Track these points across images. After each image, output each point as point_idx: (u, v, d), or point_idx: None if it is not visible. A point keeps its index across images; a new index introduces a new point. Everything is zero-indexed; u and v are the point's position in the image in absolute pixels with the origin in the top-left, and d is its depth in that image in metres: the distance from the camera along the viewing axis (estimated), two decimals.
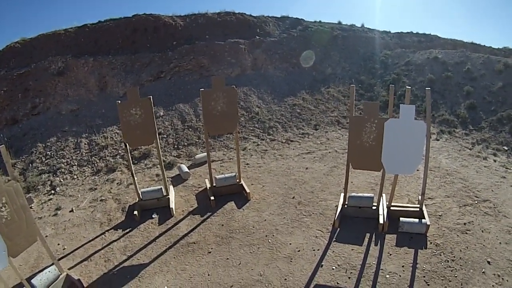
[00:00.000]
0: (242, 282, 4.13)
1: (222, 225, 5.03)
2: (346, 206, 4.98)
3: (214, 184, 5.66)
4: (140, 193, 5.43)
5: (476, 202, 5.34)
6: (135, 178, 5.47)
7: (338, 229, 4.81)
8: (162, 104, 8.82)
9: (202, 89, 5.28)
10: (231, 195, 5.66)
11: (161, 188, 5.51)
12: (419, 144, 4.35)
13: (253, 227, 4.95)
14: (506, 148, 7.12)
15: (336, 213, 4.94)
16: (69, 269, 4.37)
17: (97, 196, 6.21)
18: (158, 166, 6.31)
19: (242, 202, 5.50)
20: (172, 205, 5.43)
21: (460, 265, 4.20)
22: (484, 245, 4.50)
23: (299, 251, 4.49)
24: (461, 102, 9.26)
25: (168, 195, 5.53)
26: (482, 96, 9.28)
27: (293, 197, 5.59)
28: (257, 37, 11.78)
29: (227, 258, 4.45)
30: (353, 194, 5.04)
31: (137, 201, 5.47)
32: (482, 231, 4.73)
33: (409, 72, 11.17)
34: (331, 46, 12.22)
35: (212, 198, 5.45)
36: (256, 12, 27.98)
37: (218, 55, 10.51)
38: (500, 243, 4.54)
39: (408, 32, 15.09)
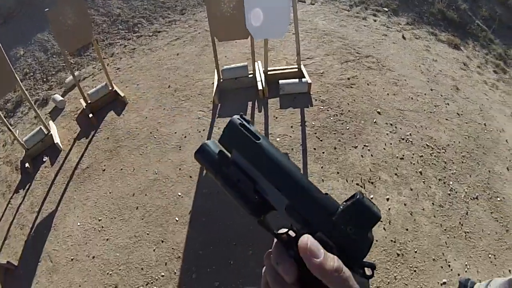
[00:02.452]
0: (141, 186, 4.02)
1: (108, 138, 4.72)
2: (222, 80, 4.83)
3: (89, 101, 5.19)
4: (24, 144, 4.85)
5: (358, 58, 5.42)
6: (16, 131, 5.01)
7: (219, 104, 4.72)
8: (20, 43, 7.72)
9: (47, 9, 4.57)
10: (109, 105, 5.25)
11: (41, 129, 4.95)
12: (285, 6, 4.16)
13: (136, 128, 4.70)
14: (387, 9, 7.17)
15: (213, 90, 4.79)
16: None
17: None
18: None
19: (120, 108, 5.14)
20: (56, 140, 4.94)
21: (350, 118, 4.34)
22: (371, 97, 4.67)
23: (185, 137, 4.38)
24: None
25: (50, 132, 5.01)
26: None
27: (169, 86, 5.30)
28: None
29: (121, 169, 4.26)
30: (225, 66, 4.86)
31: (24, 152, 4.91)
32: (368, 84, 4.88)
33: None
34: None
35: (90, 115, 5.02)
36: None
37: None
38: (387, 94, 4.75)
39: None
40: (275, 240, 0.53)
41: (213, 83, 4.97)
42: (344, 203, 0.49)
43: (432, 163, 3.98)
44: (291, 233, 0.52)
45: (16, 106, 6.56)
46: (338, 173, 3.77)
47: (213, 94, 4.74)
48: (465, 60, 5.92)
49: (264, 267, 0.53)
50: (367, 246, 0.48)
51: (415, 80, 5.04)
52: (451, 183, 3.82)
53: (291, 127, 4.22)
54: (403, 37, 6.13)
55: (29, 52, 7.43)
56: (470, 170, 3.98)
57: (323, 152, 3.92)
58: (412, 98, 4.72)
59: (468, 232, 3.46)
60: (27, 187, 4.65)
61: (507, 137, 4.50)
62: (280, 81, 4.63)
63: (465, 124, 4.52)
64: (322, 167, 3.79)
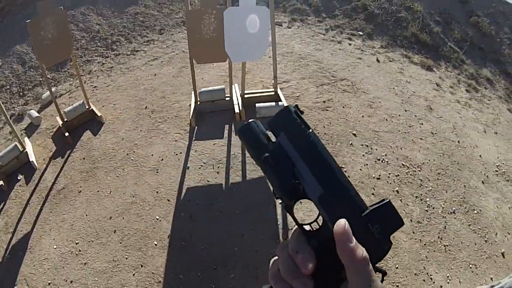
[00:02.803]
0: (118, 209, 3.95)
1: (84, 158, 4.63)
2: (199, 102, 4.83)
3: (65, 119, 5.10)
4: None
5: (333, 81, 5.52)
6: None
7: (196, 127, 4.70)
8: None
9: (28, 21, 4.52)
10: (85, 124, 5.18)
11: (16, 145, 4.80)
12: (264, 30, 4.25)
13: (113, 149, 4.63)
14: (361, 33, 7.33)
15: (190, 112, 4.79)
16: None
17: None
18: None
19: (97, 128, 5.07)
20: (31, 158, 4.81)
21: (326, 140, 4.41)
22: (347, 119, 4.75)
23: (162, 160, 4.34)
24: None
25: (25, 149, 4.88)
26: None
27: (146, 107, 5.26)
28: None
29: (98, 191, 4.17)
30: (203, 89, 4.87)
31: None
32: (343, 107, 4.97)
33: None
34: None
35: (66, 134, 4.92)
36: None
37: None
38: (362, 116, 4.85)
39: None
40: (294, 230, 0.54)
41: (190, 105, 4.98)
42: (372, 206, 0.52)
43: (408, 182, 4.08)
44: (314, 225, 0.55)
45: None
46: None
47: (190, 117, 4.73)
48: (438, 81, 6.12)
49: (273, 259, 0.54)
50: (387, 248, 0.51)
51: (389, 102, 5.17)
52: (428, 199, 3.92)
53: None
54: (377, 60, 6.29)
55: (7, 63, 7.31)
56: (446, 186, 4.10)
57: None
58: (386, 120, 4.83)
59: (447, 245, 3.54)
60: (1, 206, 4.50)
61: (481, 152, 4.67)
62: (257, 105, 4.68)
63: (439, 143, 4.66)
64: None
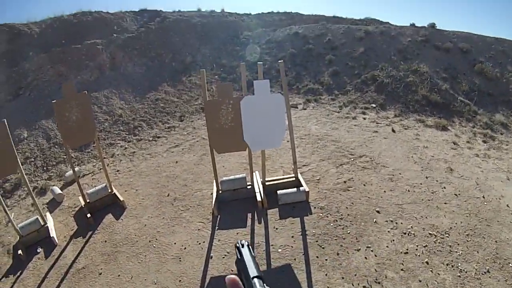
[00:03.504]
0: None
1: (105, 241, 4.65)
2: (220, 192, 4.89)
3: (88, 200, 5.20)
4: (19, 230, 4.77)
5: (352, 159, 5.59)
6: (11, 214, 4.89)
7: (219, 216, 4.71)
8: (24, 125, 7.90)
9: (55, 101, 4.75)
10: (107, 207, 5.27)
11: (37, 219, 4.90)
12: (280, 116, 4.40)
13: (135, 235, 4.65)
14: (374, 106, 7.48)
15: (212, 201, 4.83)
16: None
17: None
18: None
19: (119, 212, 5.14)
20: (52, 233, 4.88)
21: (350, 221, 4.36)
22: (369, 197, 4.74)
23: (185, 248, 4.30)
24: (324, 71, 9.57)
25: (47, 223, 4.96)
26: (344, 62, 9.67)
27: (168, 195, 5.34)
28: (114, 35, 11.05)
29: (119, 275, 4.12)
30: (224, 178, 4.94)
31: (18, 239, 4.81)
32: (364, 185, 4.99)
33: (271, 49, 11.24)
34: (190, 34, 11.94)
35: (88, 215, 5.00)
36: (114, 7, 27.07)
37: (75, 60, 9.66)
38: (384, 191, 4.84)
39: (269, 12, 15.38)
40: None
41: (211, 193, 5.03)
42: None
43: (438, 250, 3.92)
44: None
45: (14, 188, 6.52)
46: (343, 278, 3.67)
47: (213, 206, 4.77)
48: (454, 139, 6.12)
49: None
50: None
51: (409, 172, 5.15)
52: (459, 264, 3.73)
53: (292, 237, 4.19)
54: (393, 130, 6.35)
55: (33, 136, 7.58)
56: (477, 246, 3.93)
57: (326, 260, 3.86)
58: (408, 191, 4.78)
59: None
60: (18, 274, 4.47)
61: (507, 201, 4.55)
62: (279, 192, 4.71)
63: (464, 203, 4.55)
64: (326, 275, 3.70)
